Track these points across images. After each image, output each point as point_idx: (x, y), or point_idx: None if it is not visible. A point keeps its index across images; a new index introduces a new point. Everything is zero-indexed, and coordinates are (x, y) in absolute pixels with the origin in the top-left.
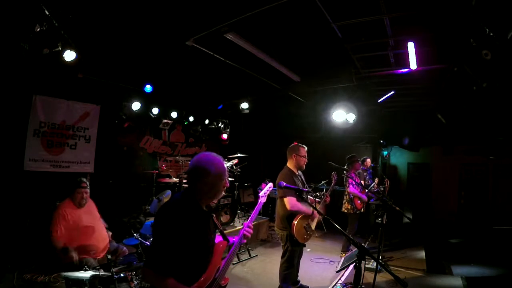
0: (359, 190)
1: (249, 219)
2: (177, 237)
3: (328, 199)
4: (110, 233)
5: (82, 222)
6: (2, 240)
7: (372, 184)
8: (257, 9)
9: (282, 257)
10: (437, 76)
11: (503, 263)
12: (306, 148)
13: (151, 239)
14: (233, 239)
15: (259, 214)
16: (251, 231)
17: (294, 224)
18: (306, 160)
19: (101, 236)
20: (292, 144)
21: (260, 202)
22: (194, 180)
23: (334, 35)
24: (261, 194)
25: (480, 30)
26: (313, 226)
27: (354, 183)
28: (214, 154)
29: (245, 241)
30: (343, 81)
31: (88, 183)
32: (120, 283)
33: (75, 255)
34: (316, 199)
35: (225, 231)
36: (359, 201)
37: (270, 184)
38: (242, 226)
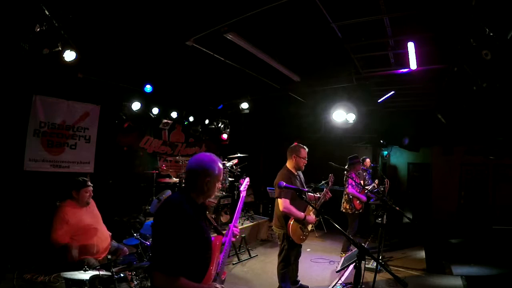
0: (358, 190)
1: (234, 218)
2: (183, 235)
3: (328, 195)
4: (110, 233)
5: (85, 223)
6: (2, 240)
7: (372, 185)
8: (257, 9)
9: (279, 255)
10: (437, 76)
11: (503, 263)
12: (307, 149)
13: (153, 241)
14: (226, 233)
15: (260, 214)
16: (238, 229)
17: (290, 224)
18: (306, 162)
19: (103, 236)
20: (293, 145)
21: (242, 196)
22: (196, 179)
23: (334, 35)
24: (241, 188)
25: (480, 30)
26: (309, 227)
27: (353, 183)
28: (214, 155)
29: (234, 239)
30: (343, 81)
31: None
32: (120, 283)
33: (74, 253)
34: (316, 194)
35: (224, 231)
36: (358, 202)
37: (247, 179)
38: (242, 226)
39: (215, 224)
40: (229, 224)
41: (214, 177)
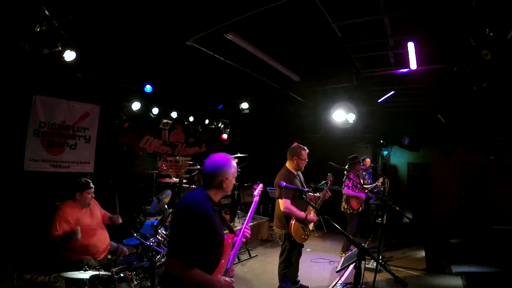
0: (357, 190)
1: (246, 220)
2: (201, 231)
3: (328, 195)
4: (119, 218)
5: (84, 223)
6: (2, 240)
7: (374, 184)
8: (257, 9)
9: (280, 256)
10: (437, 76)
11: (503, 263)
12: (307, 150)
13: (173, 231)
14: (237, 233)
15: (260, 214)
16: (249, 231)
17: (291, 224)
18: (306, 162)
19: (102, 237)
20: (294, 146)
21: (255, 201)
22: (215, 179)
23: (334, 35)
24: (255, 193)
25: (480, 30)
26: (310, 227)
27: (350, 184)
28: (227, 154)
29: (244, 239)
30: (343, 81)
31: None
32: (120, 283)
33: (78, 235)
34: (316, 194)
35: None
36: (355, 202)
37: (261, 185)
38: (242, 226)
39: (228, 223)
40: (241, 225)
41: (231, 175)
